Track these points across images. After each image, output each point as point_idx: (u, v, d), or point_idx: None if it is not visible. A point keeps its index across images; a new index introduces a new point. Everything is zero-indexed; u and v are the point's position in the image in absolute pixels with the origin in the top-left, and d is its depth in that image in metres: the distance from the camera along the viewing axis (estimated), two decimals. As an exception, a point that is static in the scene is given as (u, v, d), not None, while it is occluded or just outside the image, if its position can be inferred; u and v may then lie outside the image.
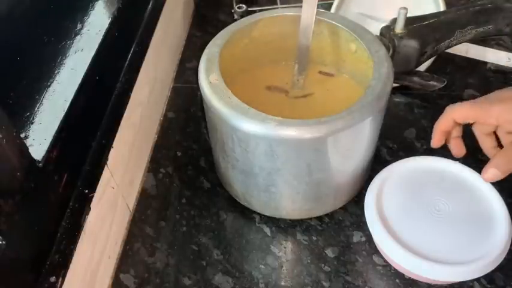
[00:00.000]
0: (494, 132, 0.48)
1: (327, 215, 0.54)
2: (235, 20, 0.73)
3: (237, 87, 0.46)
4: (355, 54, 0.52)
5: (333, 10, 0.66)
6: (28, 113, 0.41)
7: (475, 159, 0.58)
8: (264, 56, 0.56)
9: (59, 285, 0.38)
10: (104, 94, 0.50)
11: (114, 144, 0.48)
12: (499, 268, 0.44)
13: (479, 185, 0.49)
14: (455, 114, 0.47)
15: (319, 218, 0.54)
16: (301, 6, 0.51)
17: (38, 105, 0.42)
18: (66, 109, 0.42)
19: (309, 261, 0.50)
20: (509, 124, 0.45)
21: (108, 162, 0.47)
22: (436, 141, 0.49)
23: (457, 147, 0.50)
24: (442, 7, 0.62)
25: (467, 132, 0.49)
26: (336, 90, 0.55)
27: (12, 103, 0.41)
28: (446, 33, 0.56)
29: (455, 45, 0.58)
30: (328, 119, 0.42)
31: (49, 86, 0.44)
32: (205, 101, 0.46)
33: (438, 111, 0.64)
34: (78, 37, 0.49)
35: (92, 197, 0.44)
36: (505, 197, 0.48)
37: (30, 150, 0.37)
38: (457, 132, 0.49)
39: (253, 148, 0.44)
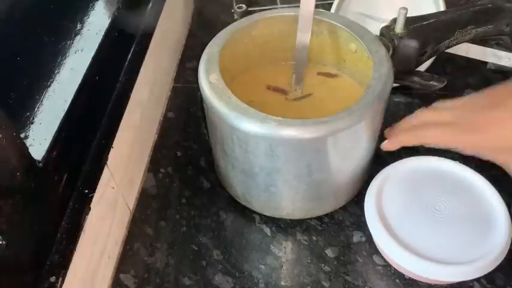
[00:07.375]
0: None
1: (326, 215, 0.54)
2: (235, 20, 0.72)
3: (237, 87, 0.46)
4: (355, 54, 0.52)
5: (333, 10, 0.66)
6: (28, 113, 0.41)
7: (475, 159, 0.58)
8: (264, 56, 0.56)
9: (59, 285, 0.38)
10: (104, 94, 0.50)
11: (114, 144, 0.48)
12: (499, 268, 0.44)
13: (480, 185, 0.49)
14: (428, 139, 0.44)
15: (319, 218, 0.54)
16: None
17: (38, 105, 0.42)
18: (66, 109, 0.42)
19: (309, 261, 0.50)
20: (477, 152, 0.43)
21: (108, 162, 0.47)
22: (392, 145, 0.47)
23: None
24: (442, 7, 0.62)
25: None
26: (336, 91, 0.55)
27: (12, 103, 0.41)
28: (446, 33, 0.56)
29: (455, 45, 0.58)
30: (328, 119, 0.42)
31: (49, 86, 0.44)
32: (205, 101, 0.46)
33: (438, 111, 0.64)
34: (78, 37, 0.49)
35: (92, 197, 0.43)
36: (505, 197, 0.48)
37: (30, 150, 0.37)
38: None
39: (253, 148, 0.44)
